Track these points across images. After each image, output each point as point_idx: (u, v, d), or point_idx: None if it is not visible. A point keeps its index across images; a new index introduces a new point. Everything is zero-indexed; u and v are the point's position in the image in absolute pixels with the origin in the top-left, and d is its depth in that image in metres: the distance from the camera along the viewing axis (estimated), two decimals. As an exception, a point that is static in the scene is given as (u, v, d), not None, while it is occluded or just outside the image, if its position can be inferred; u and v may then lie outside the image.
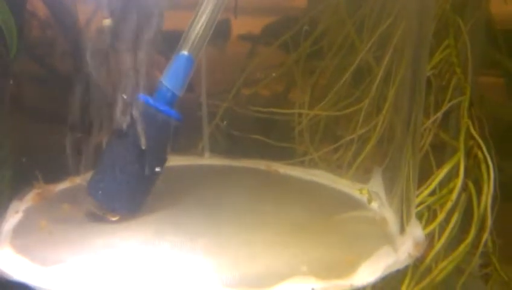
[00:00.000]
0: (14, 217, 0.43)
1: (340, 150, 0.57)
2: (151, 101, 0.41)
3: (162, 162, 0.43)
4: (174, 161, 0.50)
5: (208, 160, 0.57)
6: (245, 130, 0.59)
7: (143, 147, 0.41)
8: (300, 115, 0.59)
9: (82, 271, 0.36)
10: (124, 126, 0.40)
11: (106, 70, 0.40)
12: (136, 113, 0.40)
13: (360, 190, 0.49)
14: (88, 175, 0.43)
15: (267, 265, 0.37)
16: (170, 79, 0.42)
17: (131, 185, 0.42)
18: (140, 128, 0.40)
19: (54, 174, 0.47)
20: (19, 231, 0.42)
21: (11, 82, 0.47)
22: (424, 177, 0.53)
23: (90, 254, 0.38)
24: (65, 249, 0.38)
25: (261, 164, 0.56)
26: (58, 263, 0.37)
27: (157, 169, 0.43)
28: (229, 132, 0.59)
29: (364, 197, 0.49)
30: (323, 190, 0.52)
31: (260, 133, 0.59)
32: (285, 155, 0.58)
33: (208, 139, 0.57)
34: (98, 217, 0.42)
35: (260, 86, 0.61)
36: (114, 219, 0.42)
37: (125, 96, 0.40)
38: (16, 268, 0.37)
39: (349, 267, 0.36)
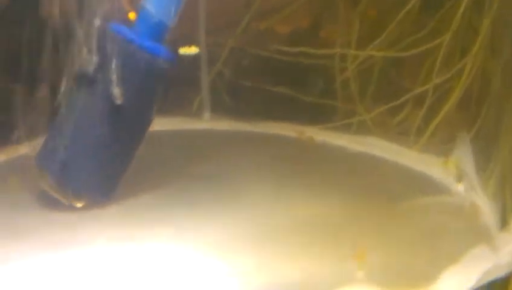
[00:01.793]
0: None
1: (405, 108, 0.57)
2: (129, 32, 0.42)
3: (145, 124, 0.44)
4: (161, 124, 0.50)
5: (209, 123, 0.58)
6: (262, 80, 0.59)
7: (118, 102, 0.41)
8: (344, 56, 0.60)
9: (32, 277, 0.37)
10: (90, 72, 0.41)
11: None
12: (107, 51, 0.41)
13: (445, 163, 0.50)
14: (38, 142, 0.43)
15: (308, 270, 0.38)
16: (157, 1, 0.43)
17: (100, 157, 0.42)
18: (113, 74, 0.41)
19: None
20: None
21: None
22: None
23: (45, 254, 0.38)
24: (10, 246, 0.39)
25: (288, 129, 0.57)
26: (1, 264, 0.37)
27: (139, 134, 0.44)
28: (238, 83, 0.60)
29: (447, 175, 0.49)
30: (381, 165, 0.53)
31: (285, 84, 0.59)
32: (322, 116, 0.58)
33: (208, 93, 0.57)
34: (55, 202, 0.42)
35: (282, 16, 0.61)
36: (78, 205, 0.42)
37: (91, 27, 0.40)
38: None
39: (428, 274, 0.37)
